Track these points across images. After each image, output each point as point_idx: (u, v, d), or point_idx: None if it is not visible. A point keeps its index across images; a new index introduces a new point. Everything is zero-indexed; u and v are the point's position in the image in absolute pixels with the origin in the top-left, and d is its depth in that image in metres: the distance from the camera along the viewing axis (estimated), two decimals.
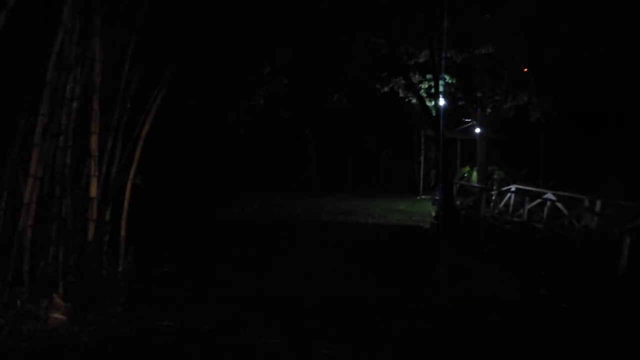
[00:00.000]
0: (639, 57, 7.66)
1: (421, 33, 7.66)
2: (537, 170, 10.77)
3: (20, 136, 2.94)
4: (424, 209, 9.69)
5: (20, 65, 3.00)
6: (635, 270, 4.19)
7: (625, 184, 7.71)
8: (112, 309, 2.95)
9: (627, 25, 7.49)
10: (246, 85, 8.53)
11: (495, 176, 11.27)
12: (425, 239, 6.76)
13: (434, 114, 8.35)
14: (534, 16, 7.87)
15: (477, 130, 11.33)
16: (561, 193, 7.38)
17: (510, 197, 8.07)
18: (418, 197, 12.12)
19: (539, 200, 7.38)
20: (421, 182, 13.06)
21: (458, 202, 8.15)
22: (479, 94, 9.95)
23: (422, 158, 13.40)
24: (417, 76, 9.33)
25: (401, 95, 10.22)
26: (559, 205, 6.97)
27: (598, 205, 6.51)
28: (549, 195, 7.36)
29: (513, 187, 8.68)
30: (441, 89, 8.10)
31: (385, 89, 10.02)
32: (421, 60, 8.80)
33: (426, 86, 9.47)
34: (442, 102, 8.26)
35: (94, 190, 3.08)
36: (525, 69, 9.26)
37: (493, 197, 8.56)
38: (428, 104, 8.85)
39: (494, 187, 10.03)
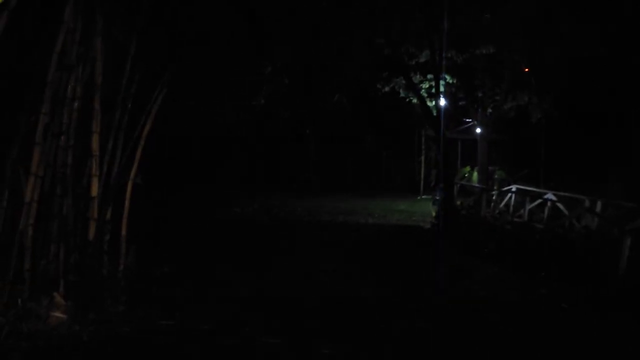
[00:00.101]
0: (639, 57, 7.66)
1: (421, 33, 7.66)
2: (538, 171, 10.77)
3: (21, 135, 2.95)
4: (424, 209, 9.69)
5: (22, 65, 3.01)
6: (636, 271, 4.19)
7: (626, 185, 7.71)
8: (113, 308, 2.95)
9: (627, 25, 7.48)
10: (246, 85, 8.53)
11: (496, 176, 11.27)
12: (425, 239, 6.76)
13: (434, 114, 8.36)
14: (534, 16, 7.87)
15: (478, 130, 11.33)
16: (562, 193, 7.38)
17: (510, 198, 8.07)
18: (418, 197, 12.13)
19: (539, 201, 7.38)
20: (421, 182, 13.07)
21: (458, 202, 8.15)
22: (479, 94, 9.95)
23: (422, 158, 13.41)
24: (417, 76, 9.33)
25: (402, 95, 10.23)
26: (560, 205, 6.97)
27: (599, 206, 6.51)
28: (550, 195, 7.36)
29: (514, 188, 8.68)
30: (442, 89, 8.09)
31: (386, 88, 10.02)
32: (422, 60, 8.80)
33: (427, 86, 9.48)
34: (442, 102, 8.26)
35: (95, 190, 3.09)
36: (526, 69, 9.26)
37: (494, 197, 8.56)
38: (429, 104, 8.85)
39: (495, 187, 10.03)
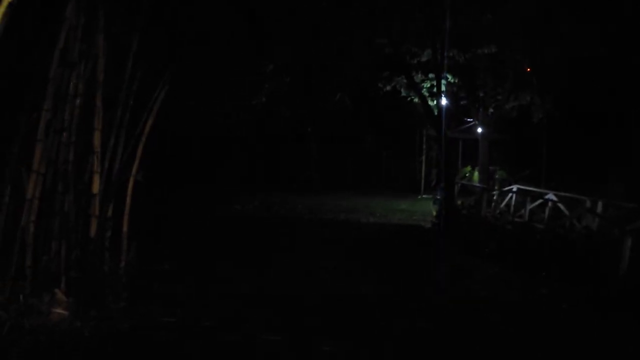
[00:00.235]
0: (639, 57, 7.64)
1: (422, 33, 7.65)
2: (539, 171, 10.75)
3: (23, 132, 2.95)
4: (425, 208, 9.69)
5: (24, 62, 3.01)
6: (636, 271, 4.19)
7: (627, 185, 7.70)
8: (114, 305, 2.96)
9: (627, 25, 7.47)
10: (246, 84, 8.53)
11: (497, 176, 11.26)
12: (426, 239, 6.76)
13: (436, 114, 8.35)
14: (534, 16, 7.86)
15: (479, 129, 11.31)
16: (563, 194, 7.38)
17: (511, 197, 8.07)
18: (419, 197, 12.12)
19: (540, 201, 7.38)
20: (422, 181, 13.07)
21: (459, 202, 8.15)
22: (481, 94, 9.92)
23: (423, 158, 13.40)
24: (419, 75, 9.32)
25: (403, 94, 10.22)
26: (561, 205, 6.97)
27: (599, 206, 6.51)
28: (551, 195, 7.36)
29: (514, 188, 8.68)
30: (443, 88, 8.08)
31: (388, 88, 10.01)
32: (423, 59, 8.79)
33: (428, 85, 9.46)
34: (444, 101, 8.24)
35: (96, 187, 3.09)
36: (528, 69, 9.24)
37: (494, 197, 8.56)
38: (430, 103, 8.84)
39: (496, 187, 10.02)
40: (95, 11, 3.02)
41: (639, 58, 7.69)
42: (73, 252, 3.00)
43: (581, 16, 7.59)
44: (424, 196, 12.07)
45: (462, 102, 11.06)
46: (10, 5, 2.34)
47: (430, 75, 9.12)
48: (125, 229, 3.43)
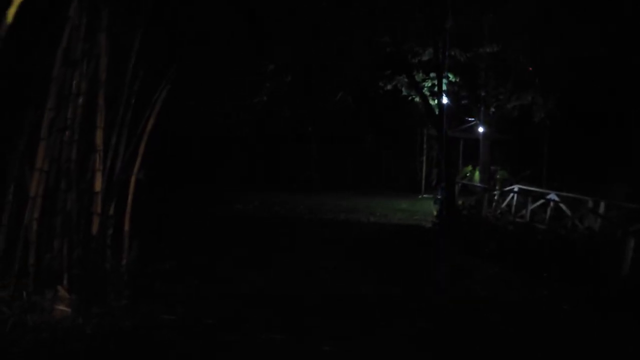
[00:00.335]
0: (639, 57, 7.63)
1: (422, 33, 7.64)
2: (541, 171, 10.73)
3: (27, 131, 2.97)
4: (425, 208, 9.68)
5: (28, 61, 3.02)
6: (639, 272, 4.18)
7: (630, 185, 7.68)
8: (116, 303, 2.98)
9: (627, 25, 7.45)
10: (246, 85, 8.54)
11: (498, 176, 11.24)
12: (426, 238, 6.75)
13: (437, 113, 8.34)
14: (534, 16, 7.84)
15: (481, 129, 11.29)
16: (564, 194, 7.36)
17: (513, 198, 8.06)
18: (420, 196, 12.11)
19: (542, 201, 7.36)
20: (423, 181, 13.06)
21: (460, 202, 8.14)
22: (482, 93, 9.91)
23: (424, 157, 13.39)
24: (420, 74, 9.30)
25: (404, 93, 10.21)
26: (562, 206, 6.96)
27: (602, 207, 6.49)
28: (552, 196, 7.35)
29: (516, 188, 8.66)
30: (444, 87, 8.08)
31: (389, 87, 10.01)
32: (425, 58, 8.78)
33: (429, 84, 9.45)
34: (445, 100, 8.23)
35: (98, 185, 3.11)
36: (530, 69, 9.23)
37: (495, 197, 8.55)
38: (431, 102, 8.84)
39: (497, 187, 10.01)
40: (97, 10, 3.04)
41: (639, 58, 7.68)
42: (75, 250, 3.02)
43: (581, 16, 7.62)
44: (424, 196, 12.06)
45: (463, 102, 11.05)
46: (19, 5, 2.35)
47: (432, 75, 9.12)
48: (126, 227, 3.45)
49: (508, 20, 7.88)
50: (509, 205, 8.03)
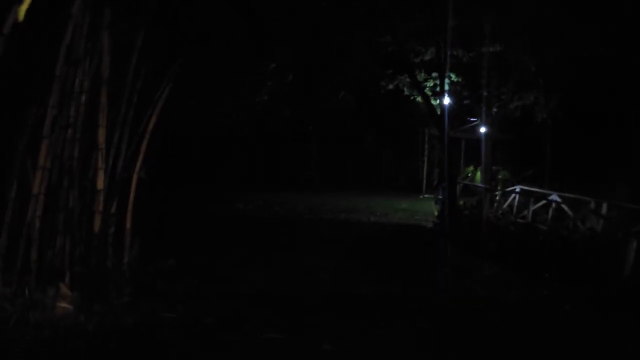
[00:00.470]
0: (639, 57, 7.61)
1: (422, 33, 7.65)
2: (543, 171, 10.71)
3: (29, 128, 2.98)
4: (426, 208, 9.69)
5: (31, 59, 3.03)
6: (639, 272, 4.18)
7: (631, 185, 7.66)
8: (117, 300, 2.99)
9: (627, 25, 7.43)
10: (246, 84, 8.55)
11: (500, 176, 11.23)
12: (427, 238, 6.77)
13: (438, 113, 8.33)
14: (534, 16, 7.83)
15: (482, 129, 11.28)
16: (566, 195, 7.35)
17: (514, 198, 8.05)
18: (421, 197, 12.12)
19: (543, 202, 7.35)
20: (424, 181, 13.05)
21: (461, 202, 8.15)
22: (484, 93, 9.90)
23: (425, 157, 13.39)
24: (422, 74, 9.29)
25: (406, 93, 10.21)
26: (564, 207, 6.95)
27: (604, 208, 6.48)
28: (554, 196, 7.34)
29: (517, 188, 8.65)
30: (446, 87, 8.06)
31: (390, 86, 10.00)
32: (427, 58, 8.77)
33: (431, 84, 9.43)
34: (447, 100, 8.21)
35: (100, 183, 3.11)
36: (532, 69, 9.21)
37: (497, 198, 8.54)
38: (433, 102, 8.83)
39: (498, 188, 10.00)
40: (100, 8, 3.05)
41: (639, 58, 7.65)
42: (77, 247, 3.03)
43: (581, 16, 7.59)
44: (425, 196, 12.07)
45: (465, 102, 11.02)
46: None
47: (434, 74, 9.10)
48: (128, 225, 3.46)
49: (508, 20, 7.87)
50: (511, 205, 8.02)
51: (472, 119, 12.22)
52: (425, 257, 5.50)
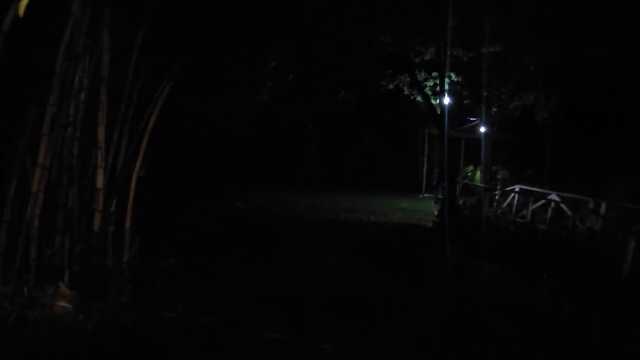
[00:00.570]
0: (639, 57, 7.62)
1: (422, 33, 7.66)
2: (542, 171, 10.72)
3: (29, 126, 2.97)
4: (426, 207, 9.69)
5: (30, 58, 3.02)
6: (638, 272, 4.18)
7: (630, 185, 7.67)
8: (117, 299, 2.98)
9: (627, 25, 7.43)
10: (246, 84, 8.54)
11: (499, 176, 11.23)
12: (427, 238, 6.76)
13: (438, 112, 8.33)
14: (534, 16, 7.83)
15: (482, 129, 11.29)
16: (566, 194, 7.35)
17: (514, 198, 8.05)
18: (420, 196, 12.13)
19: (543, 202, 7.36)
20: (424, 180, 13.07)
21: (461, 202, 8.14)
22: (484, 93, 9.91)
23: (425, 157, 13.40)
24: (422, 74, 9.29)
25: (406, 92, 10.21)
26: (563, 206, 6.95)
27: (603, 208, 6.48)
28: (553, 196, 7.34)
29: (517, 188, 8.66)
30: (446, 87, 8.06)
31: (391, 86, 10.00)
32: (427, 57, 8.77)
33: (431, 84, 9.43)
34: (447, 100, 8.22)
35: (100, 181, 3.11)
36: (532, 69, 9.22)
37: (496, 197, 8.54)
38: (433, 102, 8.83)
39: (498, 187, 10.01)
40: (100, 7, 3.04)
41: (639, 58, 7.67)
42: (77, 246, 3.03)
43: (581, 16, 7.58)
44: (425, 195, 12.07)
45: (465, 101, 11.03)
46: None
47: (434, 74, 9.10)
48: (128, 224, 3.45)
49: (508, 20, 7.87)
50: (510, 205, 8.03)
51: (472, 119, 12.23)
52: (425, 257, 5.50)
